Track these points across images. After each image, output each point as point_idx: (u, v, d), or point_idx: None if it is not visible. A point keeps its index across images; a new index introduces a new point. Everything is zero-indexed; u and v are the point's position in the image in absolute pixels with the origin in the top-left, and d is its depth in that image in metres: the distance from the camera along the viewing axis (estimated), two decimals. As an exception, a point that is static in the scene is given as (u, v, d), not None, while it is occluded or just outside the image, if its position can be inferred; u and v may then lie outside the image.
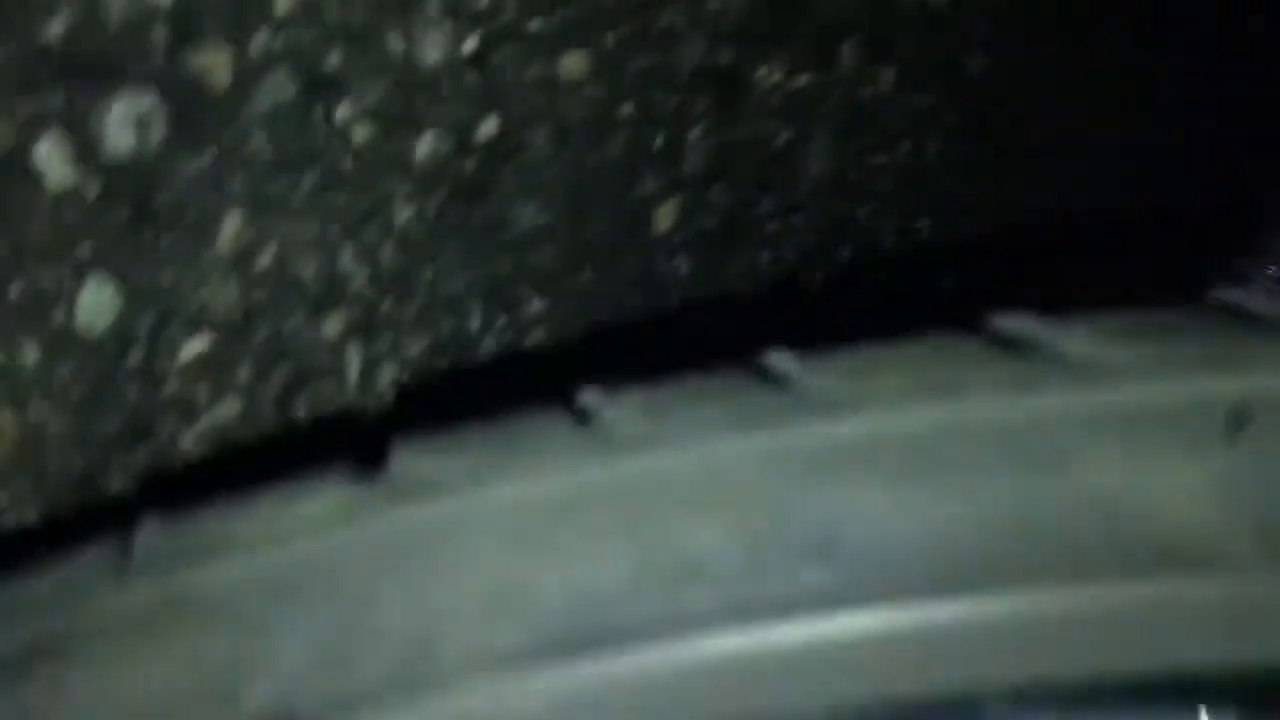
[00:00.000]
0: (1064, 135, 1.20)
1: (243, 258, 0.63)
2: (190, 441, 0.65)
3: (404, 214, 0.70)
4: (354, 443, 0.43)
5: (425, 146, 0.69)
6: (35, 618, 0.37)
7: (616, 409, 0.39)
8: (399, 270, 0.73)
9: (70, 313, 0.57)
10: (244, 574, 0.36)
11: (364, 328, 0.73)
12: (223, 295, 0.63)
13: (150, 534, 0.39)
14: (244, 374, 0.67)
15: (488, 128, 0.72)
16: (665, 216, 0.89)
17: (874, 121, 1.06)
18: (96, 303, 0.58)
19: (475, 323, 0.80)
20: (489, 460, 0.38)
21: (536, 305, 0.84)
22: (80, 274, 0.57)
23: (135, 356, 0.61)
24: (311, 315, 0.69)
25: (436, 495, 0.37)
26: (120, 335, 0.60)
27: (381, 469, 0.40)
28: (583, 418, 0.40)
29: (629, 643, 0.34)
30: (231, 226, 0.62)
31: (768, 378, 0.38)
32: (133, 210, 0.57)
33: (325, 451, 0.42)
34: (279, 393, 0.70)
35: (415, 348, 0.78)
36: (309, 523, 0.37)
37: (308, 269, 0.67)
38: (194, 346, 0.64)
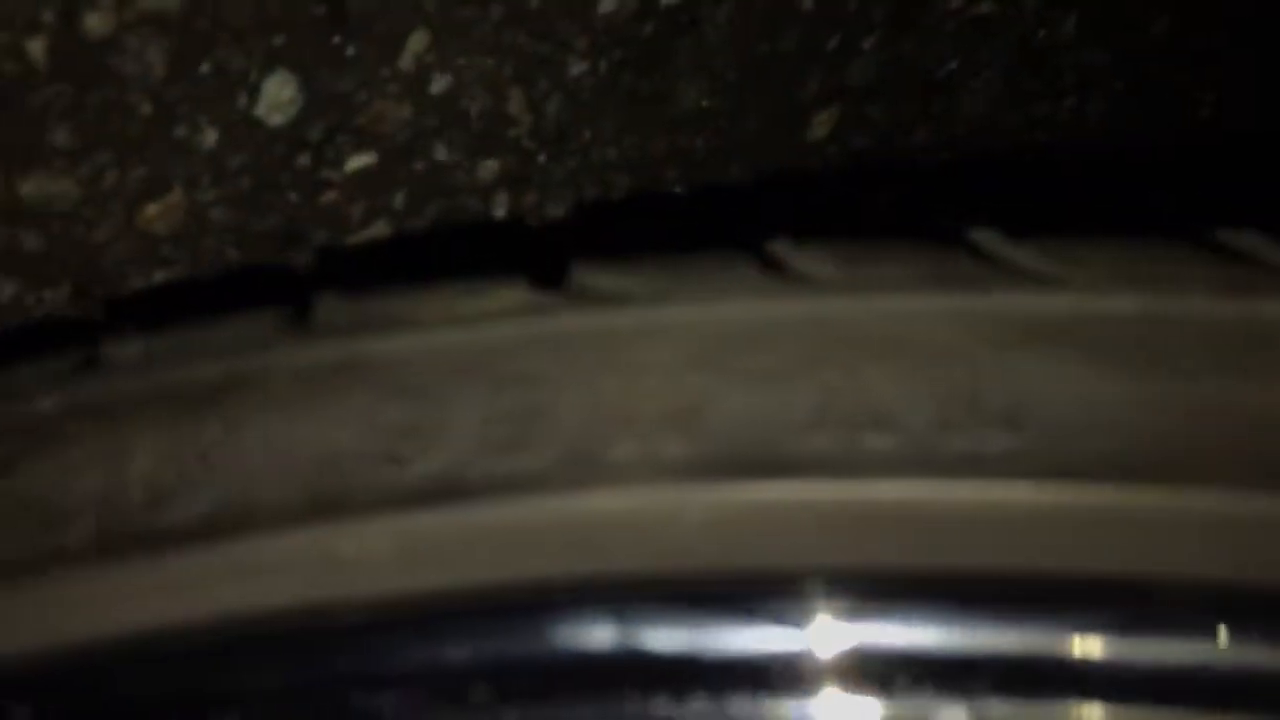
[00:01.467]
0: (1239, 118, 1.16)
1: (419, 80, 0.63)
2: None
3: (577, 68, 0.70)
4: (527, 261, 0.43)
5: (610, 2, 0.68)
6: (218, 360, 0.38)
7: (806, 256, 0.39)
8: (560, 126, 0.73)
9: (252, 101, 0.58)
10: (425, 348, 0.37)
11: (515, 178, 0.73)
12: (394, 115, 0.64)
13: (330, 303, 0.40)
14: (399, 200, 0.68)
15: (673, -5, 0.71)
16: (822, 124, 0.88)
17: (1044, 69, 1.03)
18: (278, 97, 0.58)
19: (618, 196, 0.80)
20: (673, 282, 0.38)
21: (679, 191, 0.84)
22: (269, 64, 0.57)
23: (303, 159, 0.62)
24: (471, 155, 0.69)
25: (620, 305, 0.37)
26: (293, 135, 0.60)
27: (561, 282, 0.40)
28: (769, 260, 0.39)
29: (800, 475, 0.33)
30: (415, 45, 0.62)
31: (969, 248, 0.38)
32: (328, 10, 0.57)
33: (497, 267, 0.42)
34: (427, 227, 0.70)
35: (558, 210, 0.78)
36: (491, 312, 0.38)
37: (476, 105, 0.67)
38: (358, 161, 0.64)
